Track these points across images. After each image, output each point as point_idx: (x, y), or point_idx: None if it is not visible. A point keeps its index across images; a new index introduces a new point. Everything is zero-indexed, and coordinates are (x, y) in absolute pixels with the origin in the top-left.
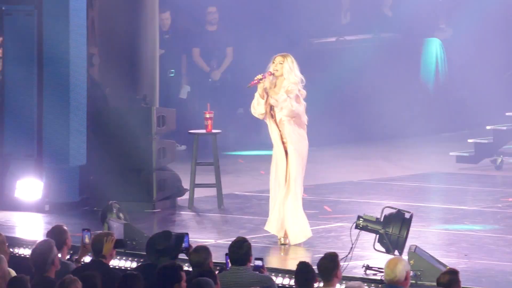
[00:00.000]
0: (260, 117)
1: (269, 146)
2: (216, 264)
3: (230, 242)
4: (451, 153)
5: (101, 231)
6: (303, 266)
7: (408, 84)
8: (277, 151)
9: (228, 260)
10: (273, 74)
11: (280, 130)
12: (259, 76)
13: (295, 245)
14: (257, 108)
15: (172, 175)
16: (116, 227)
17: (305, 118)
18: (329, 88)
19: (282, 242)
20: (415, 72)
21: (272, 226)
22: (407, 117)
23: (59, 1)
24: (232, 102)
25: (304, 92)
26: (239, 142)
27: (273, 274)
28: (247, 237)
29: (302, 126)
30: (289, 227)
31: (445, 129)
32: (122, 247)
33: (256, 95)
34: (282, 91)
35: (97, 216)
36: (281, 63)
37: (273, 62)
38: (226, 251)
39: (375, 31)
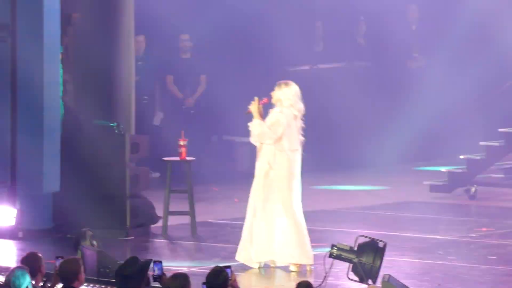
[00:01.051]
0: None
1: (244, 175)
2: None
3: (205, 271)
4: (424, 182)
5: (66, 258)
6: None
7: (381, 113)
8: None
9: None
10: (268, 102)
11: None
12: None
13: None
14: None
15: (145, 203)
16: (90, 254)
17: (285, 144)
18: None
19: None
20: (389, 100)
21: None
22: (380, 146)
23: (33, 27)
24: (206, 130)
25: (286, 119)
26: (213, 170)
27: None
28: (220, 265)
29: (282, 151)
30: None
31: (419, 158)
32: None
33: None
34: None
35: (71, 243)
36: (275, 90)
37: None
38: (200, 279)
39: (348, 59)
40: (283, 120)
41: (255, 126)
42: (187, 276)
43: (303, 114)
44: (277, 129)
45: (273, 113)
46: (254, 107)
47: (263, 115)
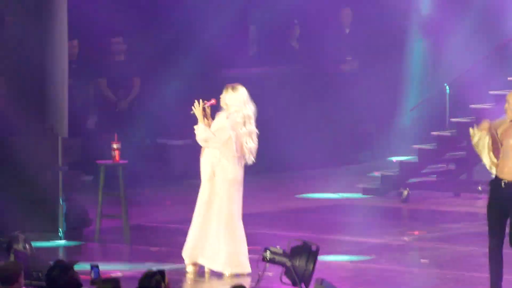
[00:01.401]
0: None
1: (177, 178)
2: None
3: (138, 275)
4: (357, 185)
5: (7, 261)
6: None
7: (314, 116)
8: None
9: None
10: (215, 103)
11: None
12: (203, 104)
13: (203, 275)
14: None
15: (78, 206)
16: (22, 257)
17: (230, 149)
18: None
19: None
20: (322, 104)
21: None
22: (313, 149)
23: None
24: (139, 132)
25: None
26: (146, 173)
27: None
28: (153, 268)
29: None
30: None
31: (351, 161)
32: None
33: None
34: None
35: (3, 246)
36: (223, 93)
37: None
38: (132, 282)
39: (281, 63)
40: (228, 126)
41: (200, 131)
42: (118, 281)
43: (254, 118)
44: (222, 135)
45: (219, 118)
46: (197, 111)
47: (211, 116)
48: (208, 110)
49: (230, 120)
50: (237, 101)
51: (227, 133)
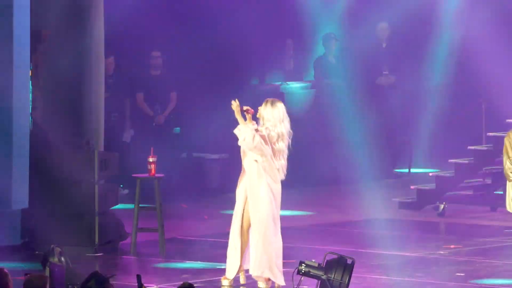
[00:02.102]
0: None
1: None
2: None
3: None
4: (393, 199)
5: (33, 274)
6: None
7: (352, 129)
8: None
9: None
10: (253, 113)
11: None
12: (247, 108)
13: None
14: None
15: (114, 220)
16: (58, 271)
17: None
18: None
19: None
20: (360, 117)
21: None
22: (350, 163)
23: (2, 43)
24: (176, 147)
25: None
26: (182, 187)
27: None
28: (190, 282)
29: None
30: None
31: (388, 175)
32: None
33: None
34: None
35: (39, 260)
36: (261, 106)
37: None
38: None
39: (319, 77)
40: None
41: (248, 135)
42: None
43: (286, 136)
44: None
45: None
46: (236, 109)
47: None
48: (247, 116)
49: (267, 132)
50: (274, 117)
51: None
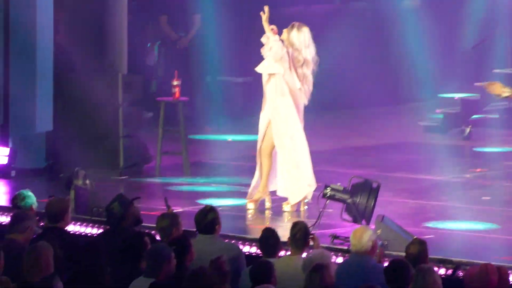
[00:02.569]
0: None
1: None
2: (185, 231)
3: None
4: (419, 123)
5: (55, 198)
6: (267, 233)
7: (376, 53)
8: None
9: None
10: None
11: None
12: (272, 26)
13: (263, 212)
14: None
15: (138, 143)
16: (82, 193)
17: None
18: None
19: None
20: (383, 41)
21: None
22: (374, 87)
23: None
24: (200, 70)
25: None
26: (206, 111)
27: (240, 242)
28: (215, 205)
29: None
30: None
31: (413, 99)
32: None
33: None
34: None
35: (63, 182)
36: (286, 30)
37: None
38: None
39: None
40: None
41: (278, 46)
42: (176, 216)
43: (311, 62)
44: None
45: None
46: (264, 16)
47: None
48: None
49: (292, 52)
50: (299, 41)
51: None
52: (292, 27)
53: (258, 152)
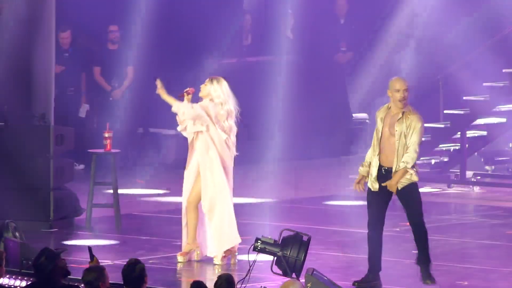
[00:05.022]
0: (183, 132)
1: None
2: (113, 284)
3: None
4: (350, 176)
5: None
6: (197, 285)
7: (308, 106)
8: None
9: None
10: (192, 92)
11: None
12: (187, 89)
13: (192, 264)
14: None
15: (69, 195)
16: (13, 246)
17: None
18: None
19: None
20: (316, 94)
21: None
22: (307, 139)
23: None
24: (132, 121)
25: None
26: (138, 162)
27: None
28: (145, 258)
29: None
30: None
31: (345, 152)
32: None
33: None
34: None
35: None
36: (206, 84)
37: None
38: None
39: (276, 53)
40: (211, 108)
41: (186, 108)
42: (102, 269)
43: (234, 113)
44: (210, 110)
45: (202, 102)
46: (161, 91)
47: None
48: (186, 97)
49: (213, 107)
50: (222, 94)
51: (214, 110)
52: (211, 80)
53: (185, 208)
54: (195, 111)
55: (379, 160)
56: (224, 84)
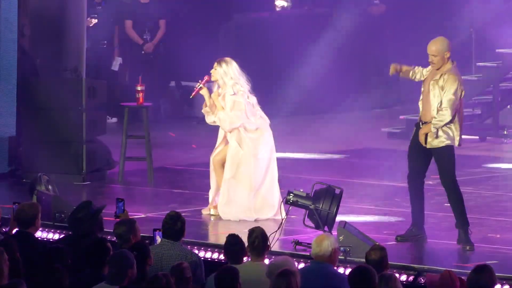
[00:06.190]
0: (213, 124)
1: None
2: (144, 237)
3: (161, 216)
4: (382, 129)
5: (24, 203)
6: (232, 239)
7: (340, 59)
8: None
9: (157, 236)
10: (209, 79)
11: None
12: (198, 84)
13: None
14: (207, 119)
15: (102, 148)
16: (45, 199)
17: (249, 124)
18: (261, 62)
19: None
20: (347, 47)
21: None
22: (338, 93)
23: None
24: (164, 75)
25: (243, 98)
26: (171, 116)
27: (202, 248)
28: (177, 211)
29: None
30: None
31: (376, 105)
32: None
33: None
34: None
35: (26, 187)
36: (215, 69)
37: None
38: (155, 225)
39: (309, 5)
40: (241, 99)
41: (224, 118)
42: (133, 222)
43: (249, 88)
44: (240, 113)
45: (226, 98)
46: (205, 92)
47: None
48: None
49: (237, 93)
50: (233, 74)
51: (243, 109)
52: (220, 63)
53: (211, 161)
54: (237, 122)
55: (420, 115)
56: (233, 63)
